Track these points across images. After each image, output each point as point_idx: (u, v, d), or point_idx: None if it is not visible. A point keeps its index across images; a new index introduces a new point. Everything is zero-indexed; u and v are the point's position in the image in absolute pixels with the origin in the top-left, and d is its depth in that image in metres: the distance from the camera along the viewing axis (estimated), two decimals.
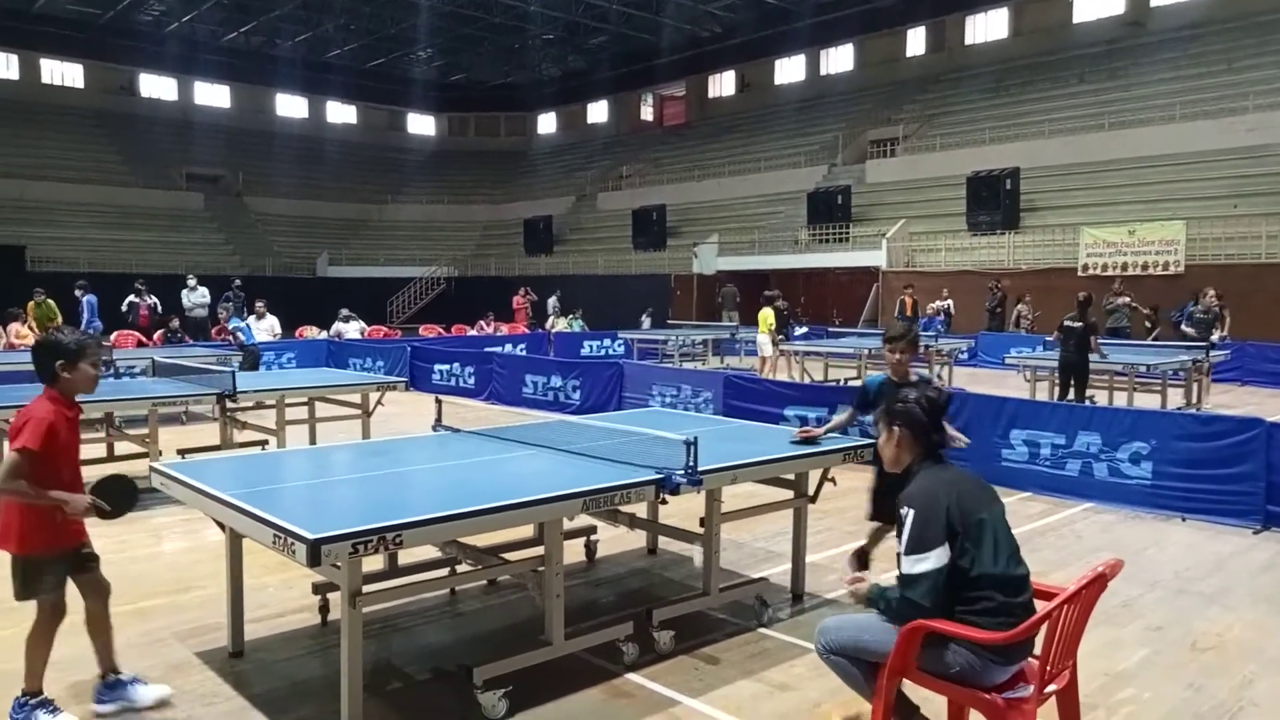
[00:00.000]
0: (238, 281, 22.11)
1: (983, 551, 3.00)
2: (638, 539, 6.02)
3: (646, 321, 24.32)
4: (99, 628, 3.80)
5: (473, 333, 22.56)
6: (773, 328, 15.94)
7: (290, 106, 44.61)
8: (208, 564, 5.55)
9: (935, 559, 2.98)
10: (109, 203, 34.33)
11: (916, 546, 3.01)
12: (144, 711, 3.77)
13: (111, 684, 3.80)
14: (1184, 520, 7.03)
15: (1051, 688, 3.08)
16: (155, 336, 17.08)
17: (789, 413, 9.62)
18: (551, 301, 26.68)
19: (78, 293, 18.83)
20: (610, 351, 20.43)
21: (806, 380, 14.43)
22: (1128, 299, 17.28)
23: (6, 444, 3.85)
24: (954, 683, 3.03)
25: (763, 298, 17.24)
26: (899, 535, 3.11)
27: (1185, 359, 12.42)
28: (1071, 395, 11.00)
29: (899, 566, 3.08)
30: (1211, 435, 7.14)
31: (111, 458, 8.35)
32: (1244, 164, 21.98)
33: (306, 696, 3.92)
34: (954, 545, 3.00)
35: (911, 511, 3.06)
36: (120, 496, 3.68)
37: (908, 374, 5.07)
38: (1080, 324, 10.94)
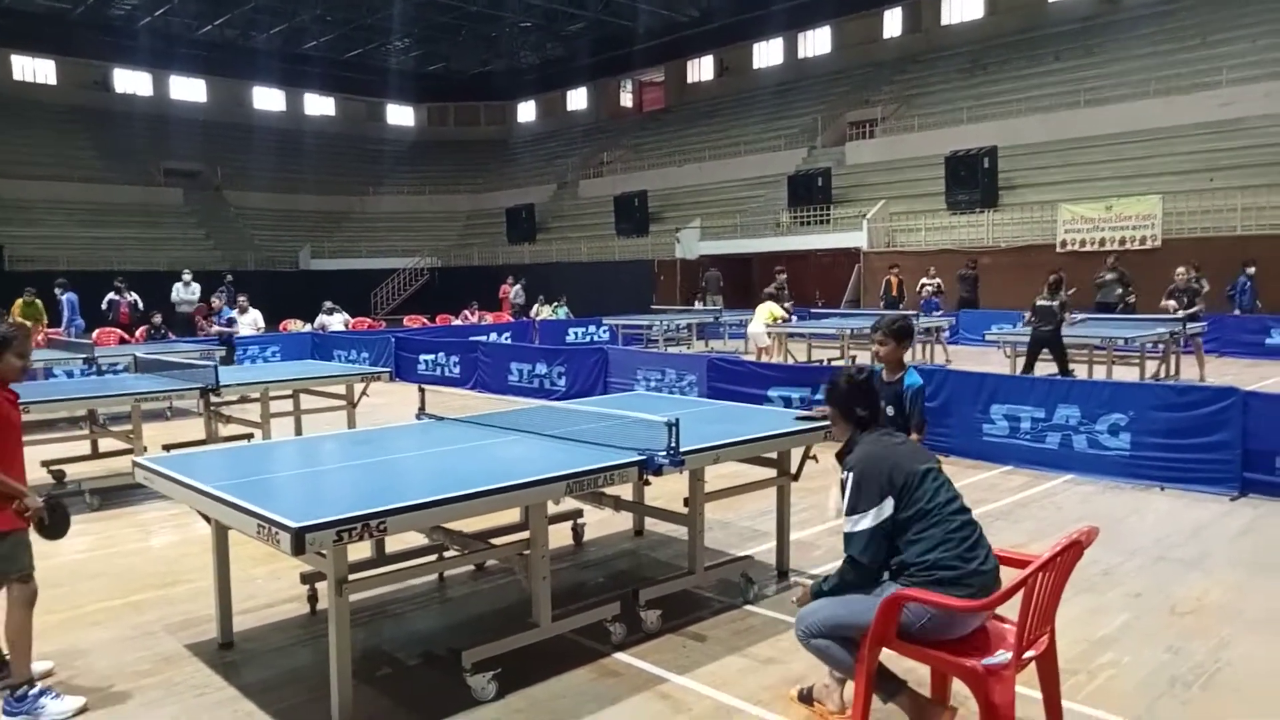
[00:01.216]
0: (229, 277, 21.96)
1: (923, 492, 3.20)
2: (624, 521, 6.06)
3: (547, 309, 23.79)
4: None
5: (457, 322, 22.52)
6: (778, 319, 15.47)
7: (268, 99, 44.18)
8: (196, 557, 5.56)
9: (872, 517, 3.18)
10: (86, 200, 33.95)
11: (854, 507, 3.23)
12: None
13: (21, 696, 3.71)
14: (1162, 489, 7.14)
15: (1030, 654, 3.15)
16: (138, 333, 16.97)
17: (773, 394, 9.69)
18: (516, 289, 26.50)
19: (57, 291, 18.75)
20: (595, 338, 20.44)
21: (790, 361, 14.52)
22: (1117, 273, 17.33)
23: None
24: (925, 637, 3.11)
25: (764, 293, 16.75)
26: (841, 498, 3.30)
27: (1162, 331, 12.56)
28: (1054, 371, 11.10)
29: (844, 527, 3.28)
30: (1188, 405, 7.24)
31: (96, 454, 8.33)
32: (1218, 138, 22.15)
33: (297, 684, 3.95)
34: (898, 500, 3.18)
35: (850, 475, 3.28)
36: (59, 516, 3.79)
37: (899, 364, 4.91)
38: (1053, 303, 11.17)
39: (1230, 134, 22.02)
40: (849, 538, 3.23)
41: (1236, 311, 17.06)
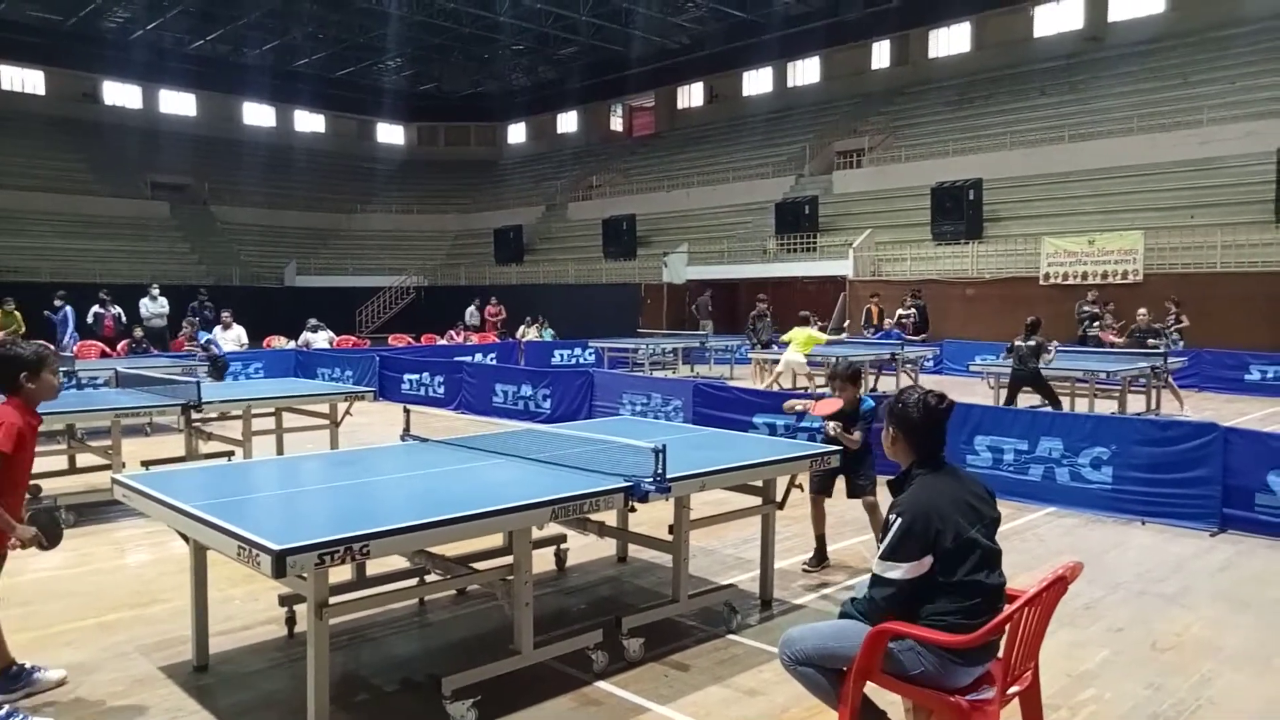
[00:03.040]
0: (203, 292, 21.83)
1: (965, 565, 3.04)
2: (608, 547, 6.03)
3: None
4: None
5: (442, 342, 22.45)
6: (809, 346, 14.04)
7: (258, 115, 44.16)
8: (172, 576, 5.48)
9: (905, 571, 3.03)
10: (73, 211, 33.71)
11: (892, 554, 3.06)
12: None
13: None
14: (1144, 523, 7.17)
15: (1014, 689, 3.14)
16: (120, 347, 16.82)
17: (758, 420, 9.69)
18: (470, 309, 26.63)
19: (57, 303, 18.53)
20: (581, 360, 20.42)
21: (775, 389, 14.53)
22: (1095, 309, 17.50)
23: None
24: (918, 685, 3.07)
25: (799, 316, 15.34)
26: (882, 534, 3.16)
27: (1144, 365, 12.67)
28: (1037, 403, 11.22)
29: (873, 564, 3.14)
30: (1169, 440, 7.29)
31: (73, 469, 8.22)
32: (1199, 175, 22.50)
33: (273, 709, 3.89)
34: (937, 558, 3.03)
35: (899, 521, 3.07)
36: (54, 530, 3.78)
37: (855, 402, 5.82)
38: (1030, 344, 11.41)
39: (1210, 172, 22.37)
40: (876, 580, 3.10)
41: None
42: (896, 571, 3.03)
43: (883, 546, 3.10)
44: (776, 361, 15.59)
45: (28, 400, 3.74)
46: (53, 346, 4.11)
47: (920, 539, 3.02)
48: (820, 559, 5.94)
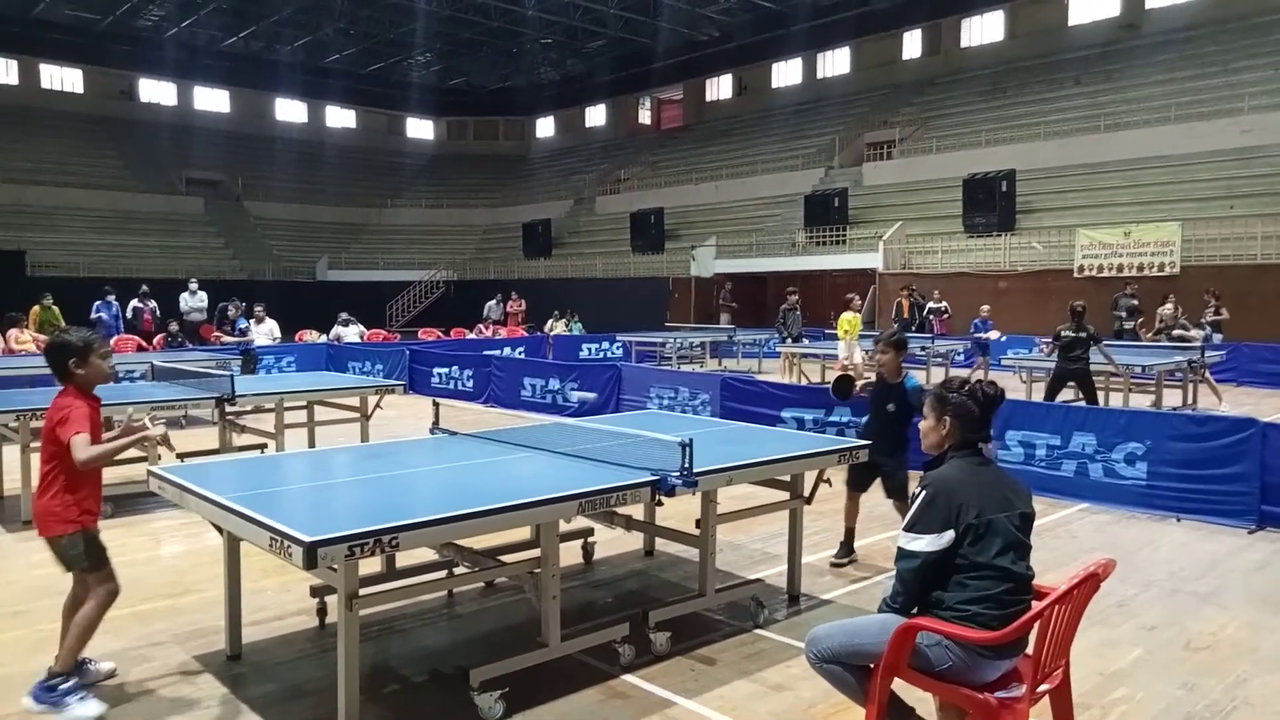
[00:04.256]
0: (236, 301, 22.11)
1: (991, 547, 3.03)
2: (635, 541, 6.04)
3: None
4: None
5: (471, 336, 22.59)
6: (850, 335, 14.05)
7: (289, 111, 44.65)
8: (207, 567, 5.57)
9: (927, 543, 3.05)
10: (109, 207, 34.35)
11: (913, 526, 3.10)
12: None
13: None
14: (1178, 520, 7.06)
15: (1044, 687, 3.11)
16: (155, 341, 17.11)
17: (786, 414, 9.65)
18: (491, 304, 26.77)
19: (110, 299, 18.74)
20: (609, 354, 20.45)
21: (803, 382, 14.46)
22: (1135, 302, 17.24)
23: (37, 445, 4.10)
24: (945, 680, 3.05)
25: (846, 299, 15.33)
26: (908, 507, 3.19)
27: (1180, 360, 12.46)
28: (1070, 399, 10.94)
29: (899, 538, 3.17)
30: (1206, 436, 7.17)
31: (110, 461, 8.35)
32: (1239, 165, 22.05)
33: (304, 699, 3.94)
34: (960, 534, 3.03)
35: (924, 493, 3.12)
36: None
37: (898, 370, 5.84)
38: (1081, 334, 10.47)
39: (1251, 161, 21.91)
40: (900, 552, 3.15)
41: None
42: (919, 543, 3.06)
43: (906, 518, 3.15)
44: (806, 356, 15.51)
45: (82, 386, 3.89)
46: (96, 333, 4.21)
47: (943, 512, 3.04)
48: (848, 551, 5.92)
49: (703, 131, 40.67)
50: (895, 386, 5.75)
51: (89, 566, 3.84)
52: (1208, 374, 12.92)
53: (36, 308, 17.39)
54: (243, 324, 15.90)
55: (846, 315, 14.42)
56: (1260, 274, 18.65)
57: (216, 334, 16.86)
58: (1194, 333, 15.11)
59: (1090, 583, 3.04)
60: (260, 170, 40.23)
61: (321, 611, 4.69)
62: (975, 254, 23.84)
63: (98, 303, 18.63)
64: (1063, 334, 10.60)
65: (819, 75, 38.29)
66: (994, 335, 16.46)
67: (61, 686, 3.68)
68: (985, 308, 17.61)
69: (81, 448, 3.68)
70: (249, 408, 8.31)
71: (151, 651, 4.43)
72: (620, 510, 4.47)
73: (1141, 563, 6.03)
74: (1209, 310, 16.86)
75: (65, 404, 3.80)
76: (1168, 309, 15.20)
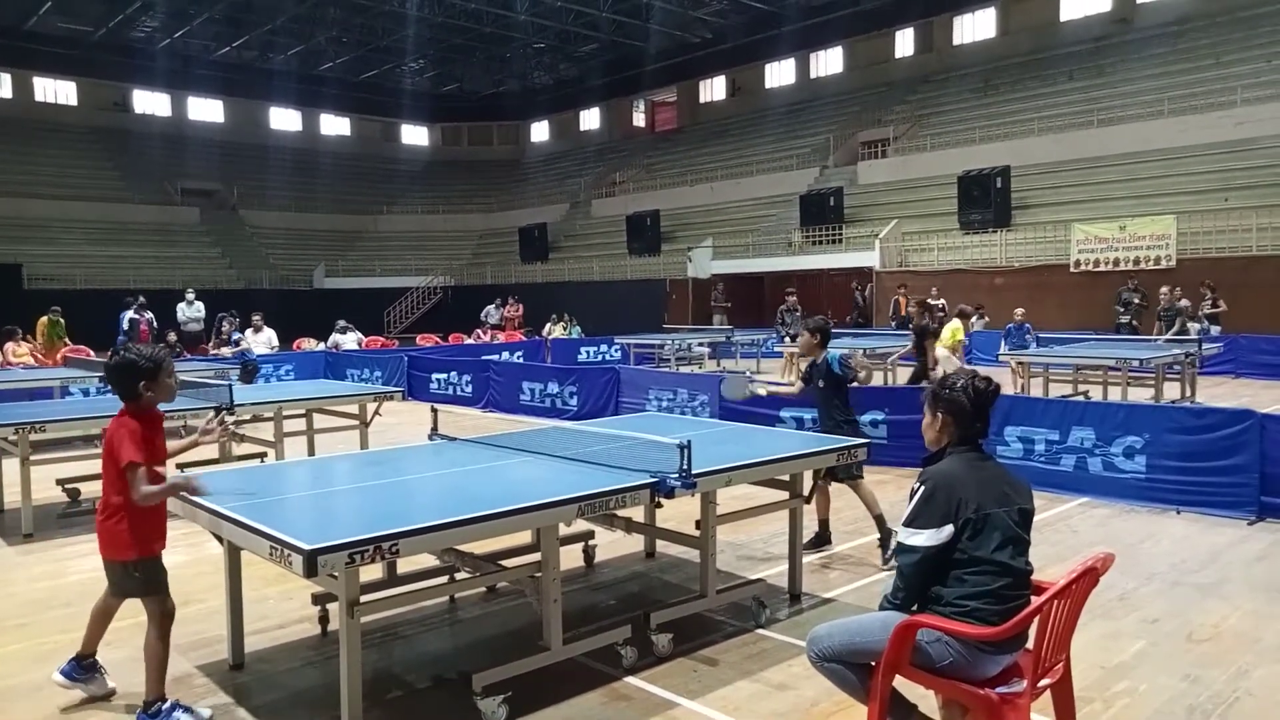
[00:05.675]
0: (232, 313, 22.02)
1: (989, 541, 3.04)
2: (636, 543, 6.04)
3: None
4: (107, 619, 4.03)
5: (469, 341, 22.59)
6: (959, 340, 12.31)
7: (284, 119, 44.67)
8: (208, 577, 5.56)
9: (926, 538, 3.05)
10: (104, 219, 34.36)
11: (912, 521, 3.10)
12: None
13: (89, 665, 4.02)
14: (1179, 513, 7.07)
15: (1045, 682, 3.11)
16: None
17: (785, 415, 9.66)
18: (489, 309, 26.82)
19: (134, 312, 18.38)
20: (607, 357, 20.46)
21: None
22: (1139, 294, 17.26)
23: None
24: (946, 676, 3.06)
25: (958, 310, 13.62)
26: (908, 503, 3.17)
27: (1178, 352, 12.47)
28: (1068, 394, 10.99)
29: (899, 532, 3.18)
30: (1205, 428, 7.17)
31: None
32: (1233, 158, 22.09)
33: (307, 707, 3.95)
34: (959, 529, 3.04)
35: (922, 488, 3.12)
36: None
37: (816, 349, 6.11)
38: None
39: (1244, 154, 21.96)
40: (900, 547, 3.16)
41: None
42: (918, 538, 3.06)
43: (905, 514, 3.15)
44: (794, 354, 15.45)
45: (144, 406, 3.86)
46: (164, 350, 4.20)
47: (942, 506, 3.04)
48: (821, 542, 6.17)
49: (697, 133, 40.72)
50: (820, 363, 6.05)
51: (142, 593, 3.82)
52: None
53: (44, 320, 17.33)
54: (237, 336, 15.85)
55: (953, 324, 12.42)
56: (1256, 265, 18.69)
57: (213, 350, 16.85)
58: (1191, 325, 15.15)
59: (1089, 577, 3.04)
60: (255, 179, 40.24)
61: (323, 619, 4.69)
62: (971, 250, 23.87)
63: (129, 314, 18.16)
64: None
65: (812, 75, 38.34)
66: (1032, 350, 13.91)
67: (163, 708, 3.70)
68: (1020, 311, 15.48)
69: (139, 485, 3.63)
70: (248, 417, 8.30)
71: None
72: (620, 513, 4.48)
73: (1142, 556, 6.04)
74: (1205, 303, 16.89)
75: (121, 429, 3.74)
76: (1165, 290, 15.27)
